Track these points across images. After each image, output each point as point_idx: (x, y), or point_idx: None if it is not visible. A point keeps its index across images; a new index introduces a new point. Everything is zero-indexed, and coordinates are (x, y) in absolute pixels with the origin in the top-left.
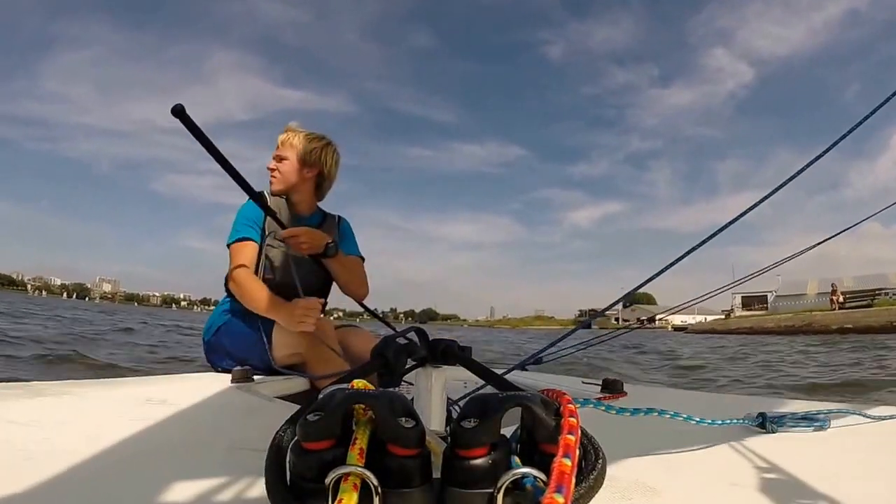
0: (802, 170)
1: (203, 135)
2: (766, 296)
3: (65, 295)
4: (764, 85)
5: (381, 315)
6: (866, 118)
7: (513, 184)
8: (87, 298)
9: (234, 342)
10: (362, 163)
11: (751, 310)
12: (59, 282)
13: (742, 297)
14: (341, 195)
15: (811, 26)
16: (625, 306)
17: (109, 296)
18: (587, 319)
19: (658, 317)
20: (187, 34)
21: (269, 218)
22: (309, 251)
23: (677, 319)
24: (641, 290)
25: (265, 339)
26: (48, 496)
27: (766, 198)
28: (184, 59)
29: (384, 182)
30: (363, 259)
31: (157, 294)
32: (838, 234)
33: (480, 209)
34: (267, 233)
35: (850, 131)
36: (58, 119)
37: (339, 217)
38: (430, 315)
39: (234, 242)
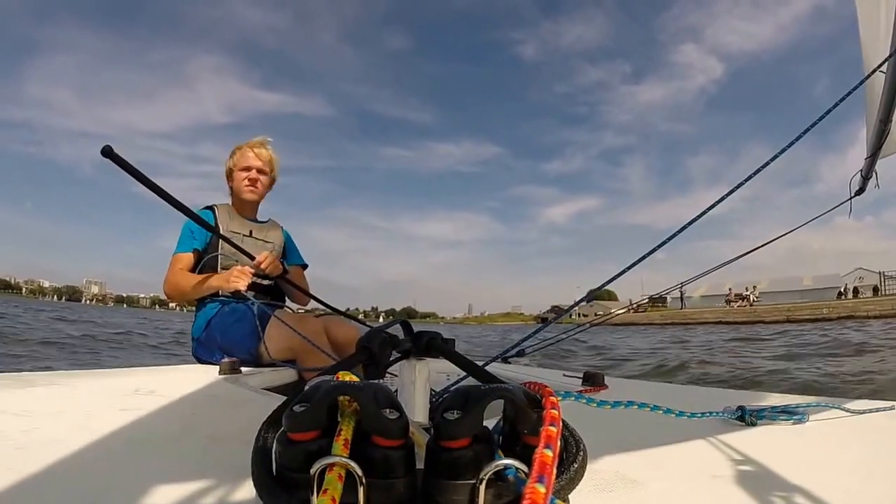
0: (761, 168)
1: (136, 171)
2: (666, 297)
3: (55, 297)
4: (734, 80)
5: (337, 308)
6: (833, 108)
7: (489, 182)
8: (82, 300)
9: (227, 334)
10: (340, 164)
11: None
12: (47, 284)
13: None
14: (320, 196)
15: (779, 22)
16: (587, 303)
17: (100, 297)
18: (553, 318)
19: (614, 311)
20: (167, 40)
21: (221, 220)
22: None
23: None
24: (604, 287)
25: (260, 332)
26: (39, 486)
27: (722, 199)
28: (164, 63)
29: (363, 182)
30: (306, 266)
31: (145, 296)
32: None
33: (458, 207)
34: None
35: (814, 124)
36: (41, 123)
37: (283, 228)
38: (409, 314)
39: (174, 254)
